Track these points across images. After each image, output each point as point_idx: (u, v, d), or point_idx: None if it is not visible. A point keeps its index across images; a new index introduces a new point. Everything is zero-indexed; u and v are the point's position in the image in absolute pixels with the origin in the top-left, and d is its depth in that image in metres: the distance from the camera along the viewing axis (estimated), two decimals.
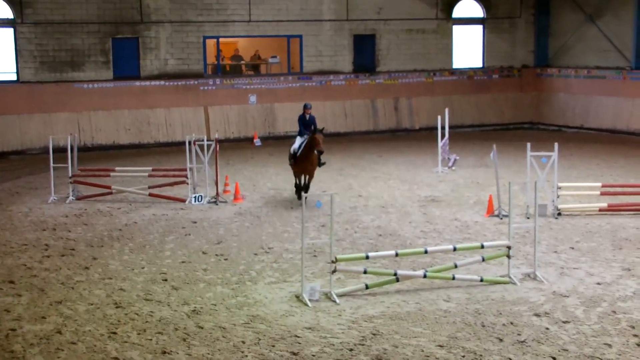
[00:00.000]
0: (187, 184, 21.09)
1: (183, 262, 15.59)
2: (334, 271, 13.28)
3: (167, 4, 32.09)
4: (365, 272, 13.55)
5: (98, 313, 12.71)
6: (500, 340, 11.45)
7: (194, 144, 20.97)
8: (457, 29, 36.89)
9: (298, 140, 20.70)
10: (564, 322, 12.12)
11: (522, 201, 19.20)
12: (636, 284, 13.92)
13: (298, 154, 20.34)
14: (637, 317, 12.31)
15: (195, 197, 20.83)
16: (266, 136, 33.19)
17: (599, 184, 20.07)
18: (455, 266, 14.20)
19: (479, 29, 37.38)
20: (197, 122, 32.51)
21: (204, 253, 16.22)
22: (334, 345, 11.29)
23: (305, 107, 21.01)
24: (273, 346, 11.26)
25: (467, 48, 37.28)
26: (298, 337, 11.60)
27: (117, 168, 22.46)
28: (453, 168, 25.32)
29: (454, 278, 13.89)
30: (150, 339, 11.57)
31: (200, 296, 13.49)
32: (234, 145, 31.32)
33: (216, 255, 16.05)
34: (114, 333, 11.82)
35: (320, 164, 20.39)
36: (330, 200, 13.62)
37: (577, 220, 18.65)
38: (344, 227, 18.17)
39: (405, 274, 13.90)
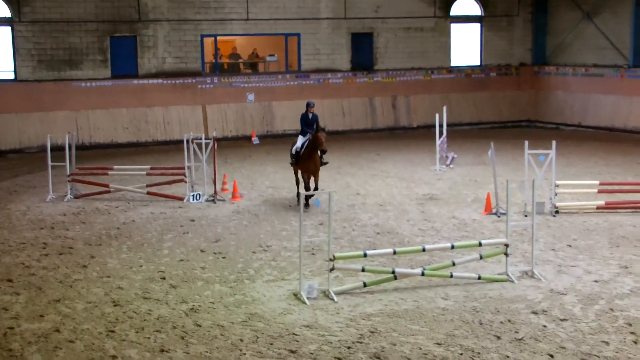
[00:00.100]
0: (185, 182, 21.11)
1: (181, 260, 15.61)
2: (332, 269, 13.29)
3: (164, 3, 32.10)
4: (363, 270, 13.56)
5: (96, 311, 12.72)
6: (498, 337, 11.47)
7: (192, 142, 20.99)
8: (454, 27, 36.91)
9: (300, 140, 20.28)
10: (562, 320, 12.14)
11: (520, 199, 19.20)
12: (633, 281, 13.94)
13: (300, 153, 19.99)
14: (635, 314, 12.33)
15: (193, 195, 20.84)
16: (264, 134, 33.20)
17: (597, 182, 20.08)
18: (453, 264, 14.21)
19: (476, 27, 37.40)
20: (195, 120, 32.52)
21: (202, 251, 16.23)
22: (331, 343, 11.31)
23: (308, 105, 20.66)
24: (271, 344, 11.28)
25: (465, 46, 37.31)
26: (296, 335, 11.61)
27: (115, 166, 22.48)
28: (451, 166, 25.34)
29: (451, 276, 13.91)
30: (149, 337, 11.58)
31: (198, 294, 13.50)
32: (231, 144, 31.35)
33: (214, 253, 16.06)
34: (112, 331, 11.83)
35: (322, 164, 20.09)
36: (328, 199, 13.64)
37: (575, 218, 18.68)
38: (342, 225, 18.19)
39: (403, 271, 13.91)
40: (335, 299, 13.05)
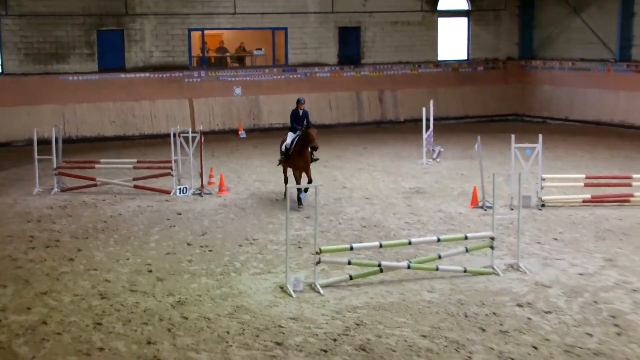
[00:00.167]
0: (172, 175, 21.08)
1: (168, 253, 15.63)
2: (318, 262, 13.33)
3: None
4: (349, 263, 13.60)
5: (83, 304, 12.75)
6: (483, 330, 11.55)
7: (179, 136, 20.96)
8: (442, 21, 36.93)
9: (290, 137, 19.89)
10: (546, 313, 12.23)
11: (506, 192, 19.27)
12: (618, 274, 14.05)
13: (290, 150, 19.64)
14: (618, 307, 12.43)
15: (180, 189, 20.85)
16: (251, 128, 33.19)
17: (583, 176, 20.18)
18: (439, 257, 14.28)
19: (464, 21, 37.45)
20: (182, 114, 32.50)
21: (188, 244, 16.25)
22: (317, 335, 11.37)
23: (299, 101, 20.28)
24: (257, 336, 11.33)
25: (452, 40, 37.33)
26: (282, 327, 11.67)
27: (102, 160, 22.43)
28: (437, 160, 25.38)
29: (437, 269, 13.97)
30: (136, 330, 11.62)
31: (185, 287, 13.53)
32: (218, 137, 31.32)
33: (201, 246, 16.09)
34: (99, 324, 11.87)
35: (313, 160, 19.64)
36: (315, 192, 13.68)
37: (561, 211, 18.77)
38: (329, 218, 18.22)
39: (389, 265, 13.96)
40: (322, 291, 13.10)
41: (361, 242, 15.37)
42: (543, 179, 19.14)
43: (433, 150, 25.59)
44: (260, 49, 34.86)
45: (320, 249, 13.30)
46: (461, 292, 13.20)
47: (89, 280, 13.94)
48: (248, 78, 33.80)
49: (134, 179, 21.59)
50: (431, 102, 26.22)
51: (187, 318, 12.07)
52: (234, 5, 33.24)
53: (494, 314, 12.18)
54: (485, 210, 18.74)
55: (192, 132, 21.16)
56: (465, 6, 37.30)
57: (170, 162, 21.14)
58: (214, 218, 18.48)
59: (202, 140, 21.31)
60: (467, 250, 14.60)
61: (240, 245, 16.11)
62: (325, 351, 10.82)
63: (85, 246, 16.18)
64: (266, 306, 12.56)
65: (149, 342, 11.16)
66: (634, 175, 19.86)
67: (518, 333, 11.41)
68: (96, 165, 21.74)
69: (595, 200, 19.29)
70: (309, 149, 19.22)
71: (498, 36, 37.91)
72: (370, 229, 17.41)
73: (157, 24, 32.25)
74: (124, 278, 14.07)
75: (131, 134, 31.82)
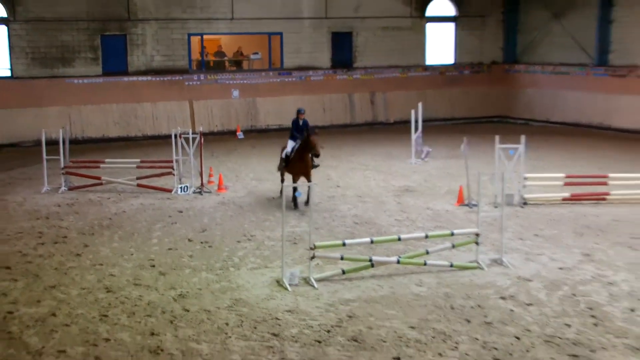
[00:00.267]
0: (173, 175, 21.10)
1: (170, 249, 15.68)
2: (312, 257, 13.39)
3: (152, 2, 32.03)
4: (342, 259, 13.67)
5: (90, 297, 12.81)
6: (468, 321, 11.63)
7: (180, 136, 20.97)
8: (430, 27, 36.98)
9: (290, 144, 19.41)
10: (528, 305, 12.31)
11: (491, 191, 19.30)
12: (595, 268, 14.14)
13: (291, 156, 19.22)
14: (595, 299, 12.53)
15: (181, 187, 20.88)
16: (249, 129, 33.19)
17: (563, 175, 20.20)
18: (427, 252, 14.32)
19: (451, 26, 37.48)
20: (183, 115, 32.51)
21: (189, 240, 16.30)
22: (312, 327, 11.44)
23: (299, 112, 19.82)
24: (255, 328, 11.40)
25: (440, 45, 37.36)
26: (278, 319, 11.73)
27: (106, 160, 22.43)
28: (426, 159, 25.43)
29: (425, 264, 14.01)
30: (139, 321, 11.69)
31: (186, 281, 13.59)
32: (217, 138, 31.33)
33: (201, 242, 16.14)
34: (105, 316, 11.93)
35: (314, 166, 19.26)
36: (309, 190, 13.78)
37: (542, 209, 18.85)
38: (323, 215, 18.27)
39: (380, 260, 14.02)
40: (316, 285, 13.16)
41: (353, 238, 15.40)
42: (525, 178, 19.22)
43: (422, 150, 25.61)
44: (257, 53, 34.87)
45: (314, 245, 13.35)
46: (448, 285, 13.28)
47: (95, 275, 14.01)
48: (245, 81, 33.83)
49: (137, 178, 21.60)
50: (420, 105, 26.21)
51: (188, 310, 12.14)
52: (231, 11, 33.26)
53: (479, 306, 12.27)
54: (470, 207, 18.82)
55: (192, 133, 21.18)
56: (452, 12, 37.35)
57: (171, 161, 21.15)
58: (213, 215, 18.53)
59: (202, 141, 21.35)
60: (453, 246, 14.65)
61: (239, 242, 16.17)
62: (320, 342, 10.89)
63: (92, 242, 16.23)
64: (263, 299, 12.62)
65: (152, 333, 11.23)
66: (611, 175, 20.00)
67: (501, 324, 11.50)
68: (101, 165, 21.74)
69: (575, 199, 19.38)
70: (310, 155, 18.84)
71: (483, 41, 37.95)
72: (362, 225, 17.46)
73: (158, 29, 32.24)
74: (128, 272, 14.13)
75: (134, 134, 31.83)
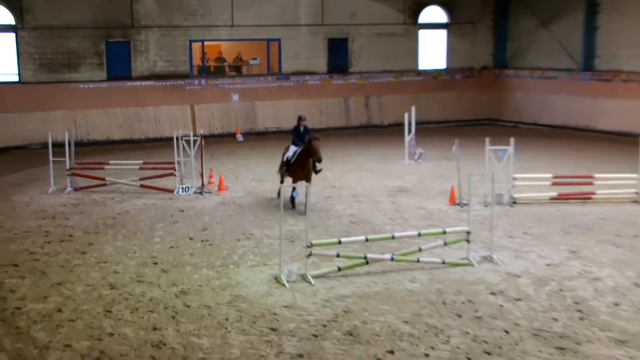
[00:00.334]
0: (175, 176, 21.10)
1: (171, 247, 15.69)
2: (309, 255, 13.41)
3: (155, 10, 32.04)
4: (338, 256, 13.68)
5: (94, 293, 12.82)
6: (460, 316, 11.65)
7: (181, 139, 20.96)
8: (422, 33, 36.95)
9: (292, 149, 19.06)
10: (517, 300, 12.34)
11: (481, 191, 19.32)
12: (581, 265, 14.17)
13: (292, 161, 18.82)
14: (581, 294, 12.56)
15: (182, 188, 20.88)
16: (248, 132, 33.15)
17: (551, 175, 20.23)
18: (420, 250, 14.37)
19: (443, 33, 37.47)
20: (184, 119, 32.48)
21: (190, 239, 16.31)
22: (309, 322, 11.46)
23: (300, 118, 19.48)
24: (254, 323, 11.41)
25: (432, 51, 37.35)
26: (276, 314, 11.75)
27: (110, 161, 22.42)
28: (419, 161, 25.45)
29: (418, 261, 14.05)
30: (142, 317, 11.70)
31: (187, 278, 13.60)
32: (218, 140, 31.29)
33: (202, 241, 16.15)
34: (109, 311, 11.95)
35: (316, 171, 18.91)
36: (306, 191, 13.78)
37: (531, 208, 18.87)
38: (319, 215, 18.29)
39: (374, 257, 14.05)
40: (313, 282, 13.18)
41: (349, 237, 15.39)
42: (514, 179, 19.24)
43: (415, 152, 25.64)
44: (255, 59, 34.85)
45: (311, 243, 13.37)
46: (440, 281, 13.30)
47: (100, 272, 14.01)
48: (245, 85, 33.81)
49: (140, 179, 21.59)
50: (413, 108, 26.24)
51: (189, 306, 12.15)
52: (231, 18, 33.25)
53: (470, 301, 12.29)
54: (462, 207, 18.83)
55: (193, 136, 21.16)
56: (444, 19, 37.35)
57: (173, 163, 21.17)
58: (213, 215, 18.53)
59: (203, 143, 21.34)
60: (445, 244, 14.69)
61: (238, 240, 16.18)
62: (316, 336, 10.91)
63: (96, 240, 16.23)
64: (262, 295, 12.63)
65: (154, 328, 11.24)
66: (596, 175, 20.02)
67: (491, 318, 11.52)
68: (105, 167, 21.73)
69: (562, 198, 19.41)
70: (312, 160, 18.47)
71: (474, 47, 37.94)
72: (357, 224, 17.47)
73: (160, 35, 32.23)
74: (132, 270, 14.14)
75: (137, 137, 31.79)
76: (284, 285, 13.09)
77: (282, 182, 19.65)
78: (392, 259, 13.96)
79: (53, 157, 21.12)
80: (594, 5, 33.21)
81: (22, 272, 14.08)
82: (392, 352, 10.38)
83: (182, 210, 18.99)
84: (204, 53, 33.76)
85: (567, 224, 17.27)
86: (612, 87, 32.45)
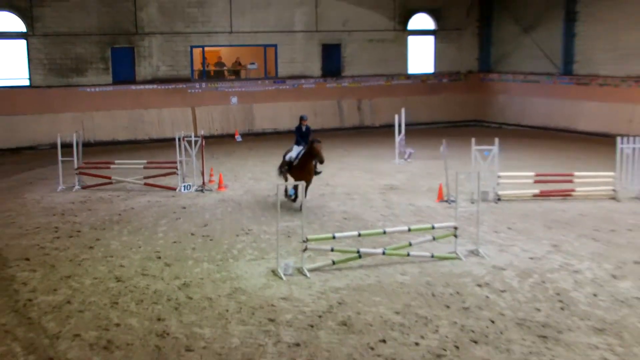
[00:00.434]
0: (177, 174, 21.08)
1: (174, 242, 15.66)
2: (305, 249, 13.41)
3: (158, 18, 32.01)
4: (332, 250, 13.69)
5: (101, 286, 12.80)
6: (448, 307, 11.65)
7: (183, 139, 20.95)
8: (411, 39, 36.99)
9: (295, 150, 18.68)
10: (502, 291, 12.34)
11: (468, 188, 19.32)
12: (562, 258, 14.17)
13: (295, 163, 18.43)
14: (562, 285, 12.57)
15: (184, 186, 20.86)
16: (246, 133, 33.13)
17: (533, 174, 20.20)
18: (410, 244, 14.33)
19: (430, 39, 37.50)
20: (186, 120, 32.45)
21: (192, 234, 16.29)
22: (305, 312, 11.45)
23: (302, 118, 19.21)
24: (253, 314, 11.41)
25: (421, 56, 37.39)
26: (274, 306, 11.75)
27: (116, 161, 22.38)
28: (409, 160, 25.45)
29: (408, 255, 14.03)
30: (147, 308, 11.69)
31: (189, 271, 13.59)
32: (218, 141, 31.26)
33: (203, 236, 16.12)
34: (116, 303, 11.94)
35: (316, 173, 18.70)
36: (302, 189, 13.79)
37: (514, 204, 18.87)
38: (314, 211, 18.26)
39: (367, 251, 14.04)
40: (308, 275, 13.18)
41: (343, 232, 15.39)
42: (499, 177, 19.25)
43: (405, 151, 25.64)
44: (253, 63, 34.84)
45: (307, 238, 13.37)
46: (429, 274, 13.29)
47: (106, 266, 13.99)
48: (243, 89, 33.80)
49: (144, 178, 21.57)
50: (403, 110, 26.22)
51: (191, 298, 12.14)
52: (230, 25, 33.23)
53: (457, 293, 12.29)
54: (449, 203, 18.82)
55: (194, 137, 21.14)
56: (432, 26, 37.37)
57: (175, 162, 21.14)
58: (214, 212, 18.50)
59: (203, 144, 21.30)
60: (434, 239, 14.66)
61: (237, 235, 16.15)
62: (312, 326, 10.91)
63: (103, 236, 16.20)
64: (260, 288, 12.62)
65: (158, 319, 11.23)
66: (576, 173, 20.02)
67: (478, 309, 11.52)
68: (111, 166, 21.69)
69: (544, 195, 19.43)
70: (314, 162, 18.21)
71: (460, 52, 37.99)
72: (350, 220, 17.45)
73: (163, 41, 32.20)
74: (137, 264, 14.12)
75: (141, 138, 31.75)
76: (281, 278, 13.07)
77: (285, 179, 19.32)
78: (383, 253, 13.94)
79: (62, 157, 21.09)
80: (573, 13, 33.33)
81: (33, 265, 14.06)
82: (384, 341, 10.37)
83: (184, 208, 18.96)
84: (204, 58, 33.73)
85: (549, 219, 17.27)
86: (589, 90, 32.54)
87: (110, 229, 16.89)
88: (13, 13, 29.92)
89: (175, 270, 13.70)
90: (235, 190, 21.06)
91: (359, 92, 35.92)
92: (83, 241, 15.81)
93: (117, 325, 11.04)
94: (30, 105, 30.10)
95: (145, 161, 22.40)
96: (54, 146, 23.34)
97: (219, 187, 21.17)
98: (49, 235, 16.31)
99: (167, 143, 29.68)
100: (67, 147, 22.04)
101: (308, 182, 18.31)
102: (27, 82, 30.45)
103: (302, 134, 18.97)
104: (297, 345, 10.30)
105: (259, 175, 23.29)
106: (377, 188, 21.24)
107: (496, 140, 18.99)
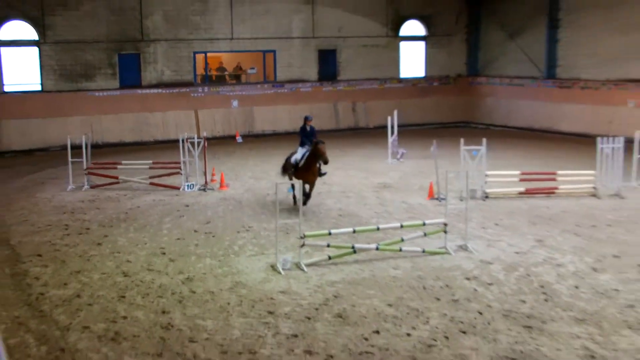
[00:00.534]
0: (181, 174, 21.08)
1: (178, 238, 15.66)
2: (302, 245, 13.43)
3: (163, 25, 31.99)
4: (328, 246, 13.70)
5: (109, 280, 12.81)
6: (438, 299, 11.66)
7: (186, 141, 20.94)
8: (403, 45, 36.98)
9: (300, 151, 18.14)
10: (489, 284, 12.35)
11: (457, 186, 19.29)
12: (546, 252, 14.18)
13: (300, 164, 17.93)
14: (546, 278, 12.58)
15: (187, 185, 20.85)
16: (246, 134, 33.12)
17: (519, 172, 20.21)
18: (402, 240, 14.34)
19: (421, 44, 37.49)
20: (189, 123, 32.43)
21: (195, 231, 16.28)
22: (302, 305, 11.46)
23: (306, 119, 18.63)
24: (253, 307, 11.41)
25: (412, 60, 37.40)
26: (273, 299, 11.75)
27: (123, 162, 22.37)
28: (401, 160, 25.44)
29: (401, 250, 14.04)
30: (152, 302, 11.70)
31: (192, 266, 13.59)
32: (219, 142, 31.24)
33: (205, 233, 16.12)
34: (123, 297, 11.95)
35: (321, 174, 18.31)
36: (300, 187, 13.78)
37: (501, 201, 18.88)
38: (311, 209, 18.23)
39: (361, 247, 14.05)
40: (305, 269, 13.18)
41: (338, 229, 15.36)
42: (486, 175, 19.25)
43: (397, 151, 25.63)
44: (253, 68, 34.82)
45: (304, 234, 13.38)
46: (420, 268, 13.29)
47: (114, 261, 13.99)
48: (243, 92, 33.78)
49: (150, 177, 21.56)
50: (395, 112, 26.23)
51: (194, 292, 12.14)
52: (231, 32, 33.21)
53: (447, 286, 12.30)
54: (440, 201, 18.83)
55: (197, 138, 21.13)
56: (422, 32, 37.36)
57: (179, 163, 21.13)
58: (216, 210, 18.48)
59: (206, 145, 21.29)
60: (425, 234, 14.69)
61: (238, 232, 16.15)
62: (309, 318, 10.92)
63: (110, 233, 16.19)
64: (260, 282, 12.63)
65: (163, 312, 11.23)
66: (559, 172, 20.02)
67: (466, 301, 11.53)
68: (118, 166, 21.68)
69: (529, 193, 19.43)
70: (318, 163, 17.73)
71: (450, 57, 37.97)
72: (345, 217, 17.44)
73: (167, 48, 32.18)
74: (142, 259, 14.12)
75: (146, 140, 31.71)
76: (279, 272, 13.08)
77: (290, 178, 18.73)
78: (377, 249, 13.95)
79: (72, 158, 21.10)
80: (556, 20, 33.33)
81: (45, 261, 14.06)
82: (377, 332, 10.38)
83: (187, 206, 18.95)
84: (206, 63, 33.70)
85: (534, 215, 17.28)
86: (571, 93, 32.57)
87: (118, 226, 16.88)
88: (26, 22, 29.90)
89: (179, 265, 13.70)
90: (236, 189, 21.05)
91: (353, 95, 35.91)
92: (92, 238, 15.80)
93: (124, 317, 11.04)
94: (42, 109, 30.08)
95: (150, 162, 22.37)
96: (64, 148, 23.33)
97: (221, 186, 21.16)
98: (59, 233, 16.31)
99: (171, 144, 29.61)
100: (76, 148, 22.01)
101: (312, 184, 18.12)
102: (39, 88, 30.43)
103: (306, 134, 18.54)
104: (295, 336, 10.30)
105: (259, 175, 23.27)
106: (371, 186, 21.24)
107: (484, 140, 18.99)
